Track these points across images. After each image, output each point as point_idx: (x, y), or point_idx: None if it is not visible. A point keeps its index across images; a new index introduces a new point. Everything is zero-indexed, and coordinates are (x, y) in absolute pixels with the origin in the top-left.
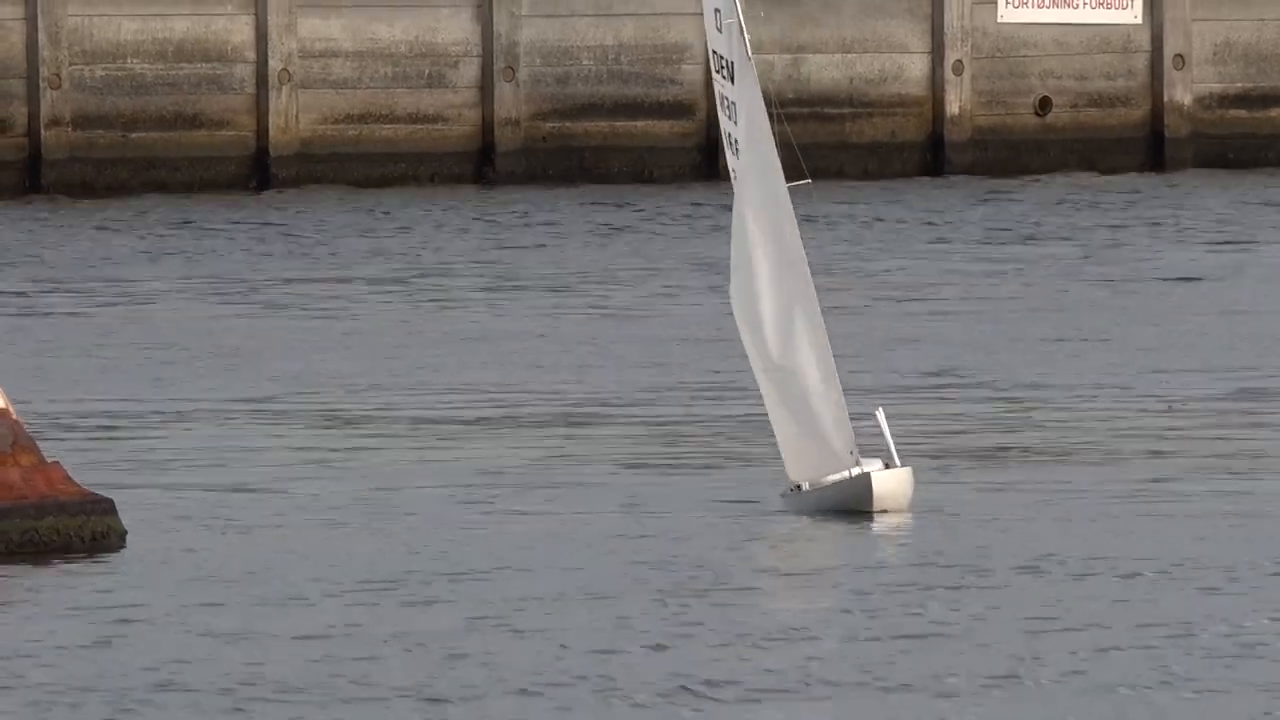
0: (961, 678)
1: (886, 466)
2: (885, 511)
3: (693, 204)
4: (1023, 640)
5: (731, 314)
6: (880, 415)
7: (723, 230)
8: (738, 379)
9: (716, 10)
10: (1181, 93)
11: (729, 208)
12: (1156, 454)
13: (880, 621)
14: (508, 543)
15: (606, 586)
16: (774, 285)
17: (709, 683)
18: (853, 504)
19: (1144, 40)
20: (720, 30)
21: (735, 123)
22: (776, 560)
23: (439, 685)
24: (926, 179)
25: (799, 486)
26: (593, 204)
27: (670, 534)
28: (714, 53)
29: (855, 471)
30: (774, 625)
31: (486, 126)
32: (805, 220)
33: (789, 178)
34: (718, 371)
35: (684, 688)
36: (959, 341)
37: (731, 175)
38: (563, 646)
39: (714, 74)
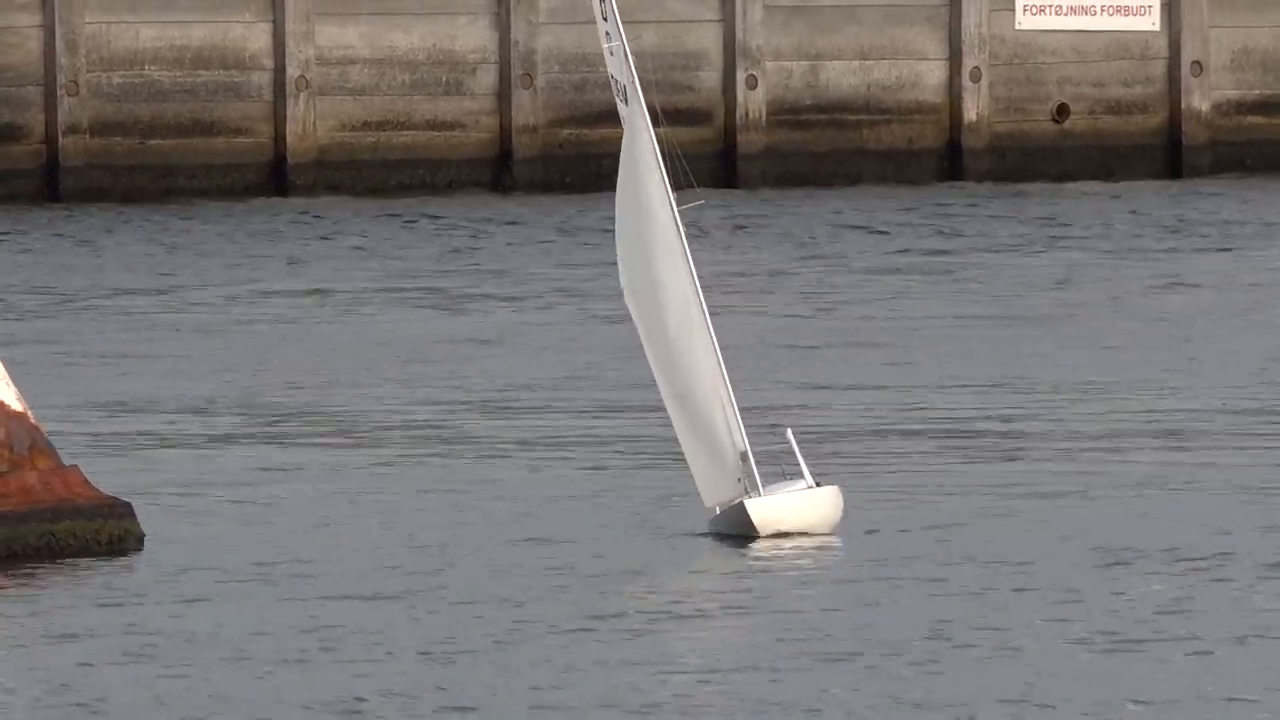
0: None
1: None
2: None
3: (712, 208)
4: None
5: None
6: (790, 435)
7: (745, 236)
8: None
9: (606, 33)
10: (1199, 99)
11: (736, 217)
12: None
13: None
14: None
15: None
16: (662, 310)
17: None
18: (743, 530)
19: (1161, 47)
20: (612, 54)
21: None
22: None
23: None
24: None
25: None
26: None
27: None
28: (611, 77)
29: (755, 496)
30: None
31: (504, 133)
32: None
33: (685, 197)
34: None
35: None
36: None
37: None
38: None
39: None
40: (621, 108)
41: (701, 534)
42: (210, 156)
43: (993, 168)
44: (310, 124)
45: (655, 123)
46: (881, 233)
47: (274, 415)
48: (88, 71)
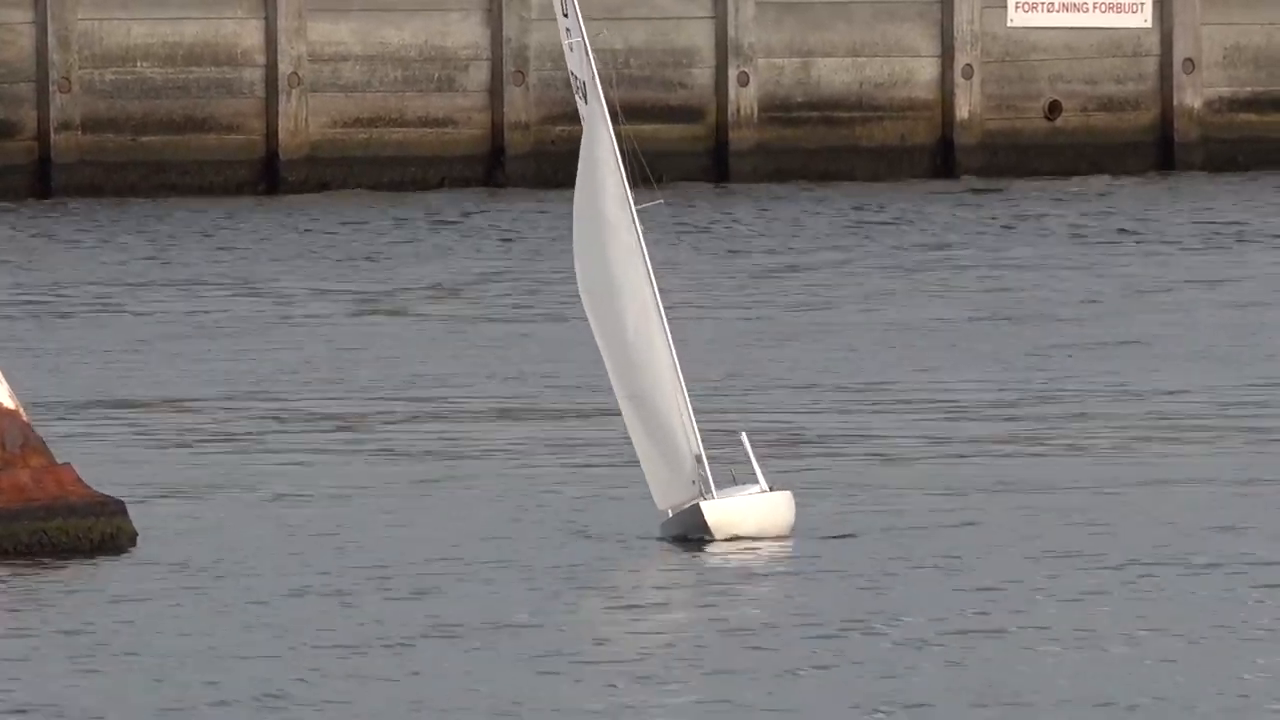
0: None
1: (771, 489)
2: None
3: (700, 207)
4: None
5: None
6: (745, 439)
7: (721, 234)
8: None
9: (567, 29)
10: (1191, 97)
11: (730, 214)
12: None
13: None
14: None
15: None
16: (620, 312)
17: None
18: (698, 533)
19: (1153, 44)
20: (572, 50)
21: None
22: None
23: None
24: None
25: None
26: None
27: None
28: (571, 74)
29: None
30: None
31: (496, 130)
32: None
33: (643, 197)
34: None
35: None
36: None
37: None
38: None
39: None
40: (581, 106)
41: (652, 536)
42: (202, 153)
43: (985, 165)
44: (302, 120)
45: (615, 121)
46: (875, 227)
47: (268, 413)
48: (80, 68)
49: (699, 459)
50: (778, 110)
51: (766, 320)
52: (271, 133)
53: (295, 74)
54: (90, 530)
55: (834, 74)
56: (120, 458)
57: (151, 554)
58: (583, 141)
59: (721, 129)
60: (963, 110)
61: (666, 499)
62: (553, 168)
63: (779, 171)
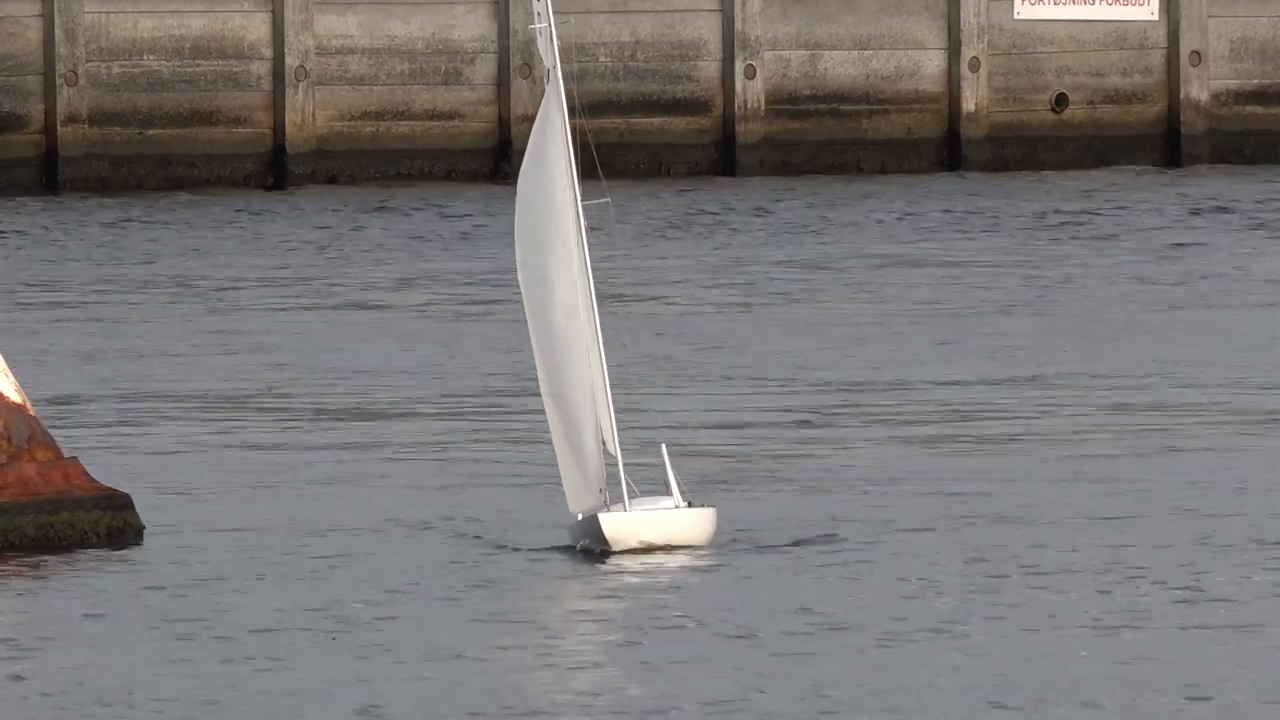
0: None
1: (690, 505)
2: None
3: (709, 199)
4: None
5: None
6: (664, 450)
7: (725, 230)
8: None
9: (538, 13)
10: (1198, 89)
11: (732, 209)
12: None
13: None
14: None
15: None
16: (550, 308)
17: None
18: (597, 543)
19: (1160, 37)
20: (541, 34)
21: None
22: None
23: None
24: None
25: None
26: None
27: None
28: (539, 58)
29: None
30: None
31: (503, 123)
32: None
33: (591, 193)
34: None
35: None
36: None
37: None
38: None
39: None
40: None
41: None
42: (209, 146)
43: (992, 157)
44: (309, 114)
45: (572, 113)
46: (878, 222)
47: (275, 406)
48: (87, 61)
49: (616, 465)
50: (785, 103)
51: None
52: (279, 126)
53: (302, 67)
54: (96, 524)
55: (841, 67)
56: (128, 451)
57: (157, 548)
58: (534, 128)
59: (728, 122)
60: (969, 103)
61: (577, 503)
62: None
63: (786, 164)
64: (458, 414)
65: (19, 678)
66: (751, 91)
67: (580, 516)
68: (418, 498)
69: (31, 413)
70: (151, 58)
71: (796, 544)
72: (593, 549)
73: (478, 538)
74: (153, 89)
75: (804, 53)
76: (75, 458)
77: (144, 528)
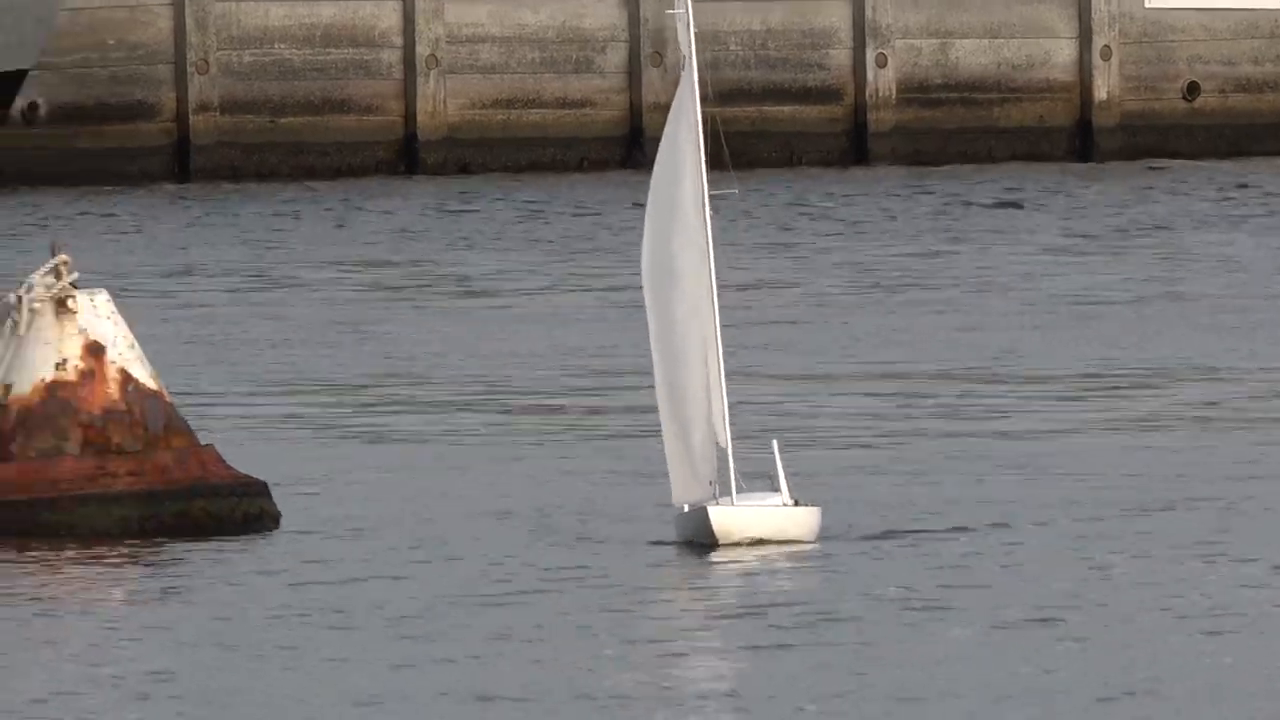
0: None
1: (797, 503)
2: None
3: (838, 190)
4: None
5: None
6: (775, 446)
7: (858, 222)
8: None
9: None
10: None
11: (858, 198)
12: None
13: None
14: None
15: None
16: (672, 299)
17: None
18: (702, 537)
19: None
20: (678, 21)
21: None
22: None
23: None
24: None
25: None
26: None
27: None
28: (679, 44)
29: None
30: None
31: (634, 111)
32: None
33: (722, 183)
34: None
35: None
36: None
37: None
38: None
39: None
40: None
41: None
42: (340, 135)
43: (1123, 146)
44: (440, 102)
45: (705, 101)
46: (1015, 207)
47: (408, 394)
48: (218, 49)
49: (723, 458)
50: (916, 92)
51: None
52: (410, 114)
53: (433, 55)
54: (233, 511)
55: (972, 55)
56: (265, 439)
57: (294, 536)
58: (669, 116)
59: (860, 110)
60: (1101, 92)
61: (684, 495)
62: None
63: (917, 153)
64: (589, 402)
65: (160, 671)
66: (883, 80)
67: (685, 509)
68: (546, 487)
69: (167, 399)
70: (282, 46)
71: (914, 533)
72: (697, 542)
73: (603, 528)
74: (284, 77)
75: (935, 41)
76: (211, 445)
77: (280, 515)
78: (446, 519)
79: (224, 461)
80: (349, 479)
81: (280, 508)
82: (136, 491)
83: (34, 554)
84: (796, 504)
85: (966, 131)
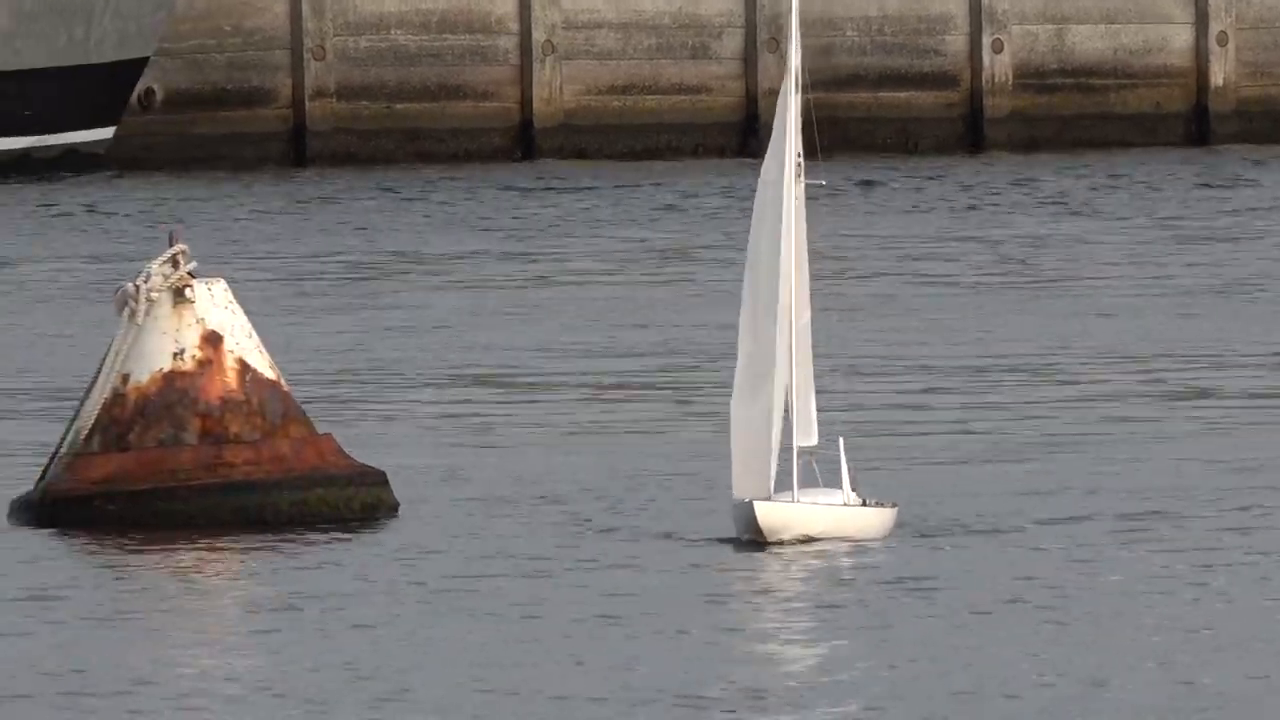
0: None
1: (864, 503)
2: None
3: (955, 177)
4: None
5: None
6: (841, 445)
7: (974, 208)
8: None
9: None
10: None
11: (969, 186)
12: None
13: None
14: None
15: None
16: (759, 288)
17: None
18: (749, 532)
19: None
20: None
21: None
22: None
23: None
24: None
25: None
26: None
27: None
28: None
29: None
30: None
31: (750, 97)
32: None
33: (817, 172)
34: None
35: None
36: None
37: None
38: None
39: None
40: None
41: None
42: (457, 120)
43: (1240, 131)
44: (556, 88)
45: (802, 88)
46: (1144, 185)
47: (523, 381)
48: (334, 35)
49: (791, 453)
50: (1032, 77)
51: None
52: (526, 100)
53: (549, 42)
54: (350, 500)
55: (1088, 41)
56: (382, 428)
57: (412, 526)
58: (777, 105)
59: (976, 96)
60: (1217, 77)
61: (744, 488)
62: (806, 135)
63: (1033, 139)
64: (686, 393)
65: (276, 650)
66: (999, 66)
67: (745, 502)
68: (646, 472)
69: (285, 389)
70: (399, 32)
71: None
72: (748, 538)
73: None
74: (400, 64)
75: (1051, 27)
76: (329, 434)
77: (399, 504)
78: (564, 504)
79: (342, 450)
80: (467, 469)
81: (398, 497)
82: (254, 481)
83: (152, 544)
84: (864, 503)
85: (1083, 118)
